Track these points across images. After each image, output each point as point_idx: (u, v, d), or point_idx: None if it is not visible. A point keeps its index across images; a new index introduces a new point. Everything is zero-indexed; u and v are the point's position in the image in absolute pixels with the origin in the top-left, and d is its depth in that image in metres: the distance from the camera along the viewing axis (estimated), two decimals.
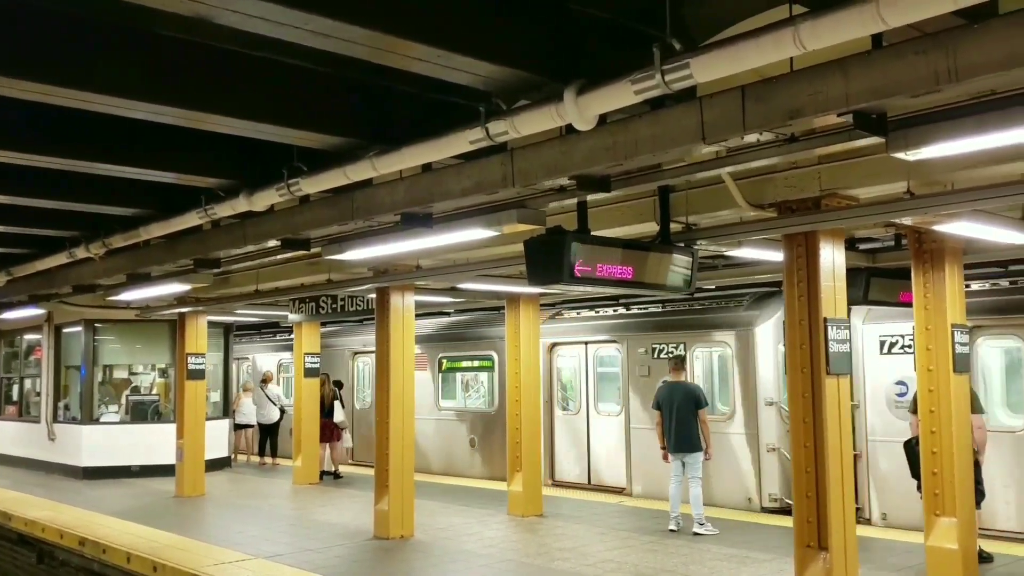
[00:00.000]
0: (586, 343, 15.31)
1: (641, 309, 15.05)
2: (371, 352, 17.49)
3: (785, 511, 11.33)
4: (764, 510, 12.31)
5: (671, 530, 10.92)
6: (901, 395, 11.31)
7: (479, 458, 16.68)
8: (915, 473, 8.90)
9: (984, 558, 8.81)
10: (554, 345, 15.56)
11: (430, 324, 18.03)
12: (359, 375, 19.71)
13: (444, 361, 17.64)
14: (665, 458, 11.23)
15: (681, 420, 10.92)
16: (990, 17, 4.04)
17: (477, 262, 10.24)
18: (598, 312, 15.72)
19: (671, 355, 13.43)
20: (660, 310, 14.80)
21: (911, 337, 10.30)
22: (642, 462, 13.90)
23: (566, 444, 15.43)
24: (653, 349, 14.06)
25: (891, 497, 11.24)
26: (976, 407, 8.81)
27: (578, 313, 16.04)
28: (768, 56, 4.23)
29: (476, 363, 17.30)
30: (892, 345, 11.62)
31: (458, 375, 17.76)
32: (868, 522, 11.27)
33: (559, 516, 12.26)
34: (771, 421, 12.54)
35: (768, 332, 12.75)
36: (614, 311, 15.44)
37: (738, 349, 12.95)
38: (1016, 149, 5.37)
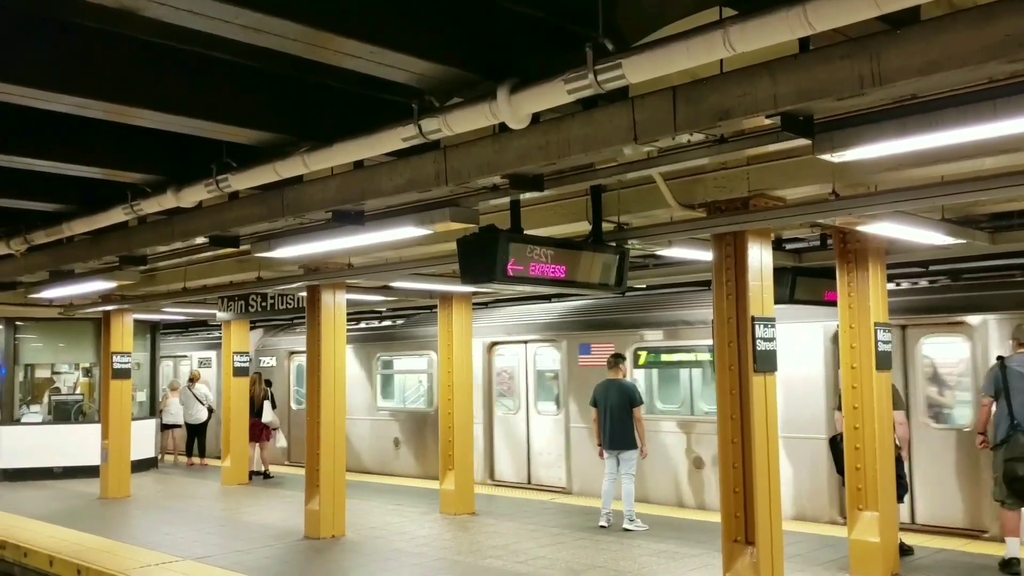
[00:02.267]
0: (903, 327, 10.97)
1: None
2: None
3: None
4: None
5: (602, 526, 11.02)
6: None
7: (706, 481, 12.58)
8: (839, 469, 9.09)
9: (905, 551, 9.05)
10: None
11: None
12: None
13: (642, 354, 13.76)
14: (600, 455, 11.32)
15: (616, 418, 11.01)
16: (912, 23, 4.16)
17: (410, 260, 10.19)
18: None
19: None
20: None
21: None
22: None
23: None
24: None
25: None
26: (898, 403, 9.04)
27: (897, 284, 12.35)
28: (699, 58, 4.29)
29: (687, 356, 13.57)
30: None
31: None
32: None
33: (492, 514, 12.27)
34: None
35: None
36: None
37: None
38: (936, 152, 5.52)
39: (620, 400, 11.04)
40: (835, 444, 9.36)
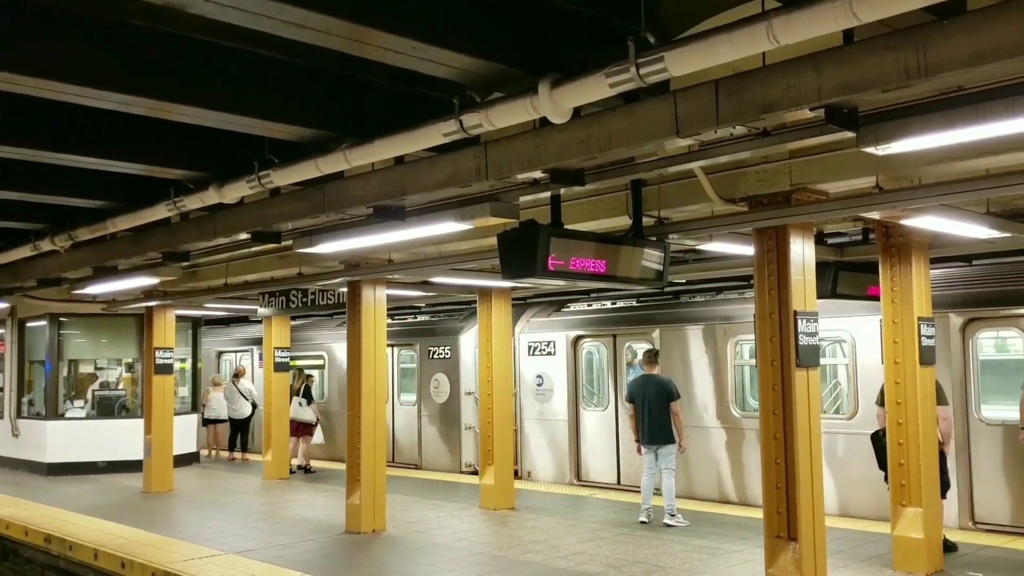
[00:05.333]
0: None
1: None
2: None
3: None
4: None
5: (642, 522, 10.99)
6: (539, 385, 15.36)
7: None
8: (882, 464, 9.00)
9: (949, 547, 8.93)
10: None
11: None
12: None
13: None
14: (639, 451, 11.29)
15: (653, 413, 10.98)
16: (959, 14, 4.10)
17: (450, 256, 10.22)
18: None
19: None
20: None
21: (547, 343, 15.24)
22: None
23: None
24: None
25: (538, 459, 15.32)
26: (941, 399, 8.92)
27: None
28: (742, 50, 4.27)
29: None
30: (535, 350, 15.34)
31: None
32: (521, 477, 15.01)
33: (531, 509, 12.28)
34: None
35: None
36: None
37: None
38: (982, 144, 5.44)
39: (658, 395, 11.01)
40: (877, 440, 9.25)
